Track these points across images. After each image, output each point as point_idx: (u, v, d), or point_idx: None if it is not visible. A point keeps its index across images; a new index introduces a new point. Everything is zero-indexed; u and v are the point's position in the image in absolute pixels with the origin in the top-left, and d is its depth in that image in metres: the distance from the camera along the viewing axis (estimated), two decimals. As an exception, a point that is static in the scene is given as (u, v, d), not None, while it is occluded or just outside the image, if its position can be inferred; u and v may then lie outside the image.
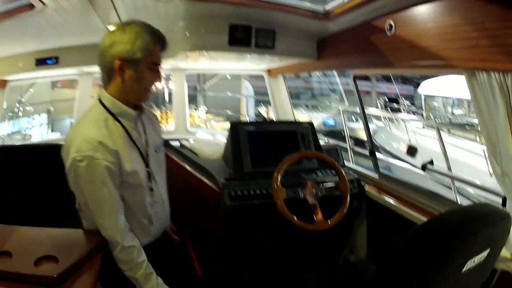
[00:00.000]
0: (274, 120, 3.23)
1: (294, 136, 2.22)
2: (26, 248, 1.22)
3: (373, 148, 2.36)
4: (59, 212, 2.08)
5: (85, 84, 2.80)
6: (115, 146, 1.24)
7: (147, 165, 1.36)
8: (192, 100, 10.00)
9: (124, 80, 1.25)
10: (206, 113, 9.69)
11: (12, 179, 2.09)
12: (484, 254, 0.95)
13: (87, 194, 1.26)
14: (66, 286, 1.10)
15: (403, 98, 10.23)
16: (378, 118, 9.20)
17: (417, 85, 13.91)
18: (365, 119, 2.40)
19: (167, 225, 1.60)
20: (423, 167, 1.99)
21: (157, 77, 1.29)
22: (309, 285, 1.69)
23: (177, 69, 3.02)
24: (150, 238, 1.43)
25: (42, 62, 2.32)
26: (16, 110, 7.19)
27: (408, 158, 5.43)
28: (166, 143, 2.38)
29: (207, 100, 11.52)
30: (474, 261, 0.93)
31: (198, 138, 2.53)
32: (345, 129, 3.98)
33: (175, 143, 2.58)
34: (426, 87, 9.59)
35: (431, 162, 1.99)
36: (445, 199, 1.76)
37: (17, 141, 6.40)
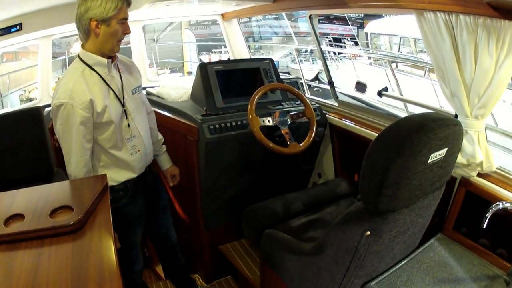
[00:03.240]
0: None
1: (258, 71, 2.35)
2: (35, 206, 1.19)
3: (331, 78, 2.56)
4: (38, 176, 2.07)
5: (45, 47, 2.72)
6: (90, 93, 1.44)
7: (123, 104, 1.55)
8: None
9: (100, 36, 1.44)
10: (150, 66, 9.29)
11: None
12: (444, 151, 1.14)
13: (60, 134, 1.47)
14: (86, 229, 1.12)
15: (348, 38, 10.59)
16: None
17: (359, 25, 14.12)
18: (322, 54, 2.61)
19: (150, 159, 1.78)
20: (379, 93, 2.21)
21: (127, 29, 1.48)
22: (292, 200, 1.92)
23: (134, 21, 2.96)
24: (134, 173, 1.65)
25: (6, 31, 2.25)
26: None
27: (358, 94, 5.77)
28: None
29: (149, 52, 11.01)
30: (436, 156, 1.12)
31: (164, 84, 2.59)
32: (298, 64, 4.29)
33: None
34: (373, 27, 10.02)
35: (386, 89, 2.22)
36: (399, 118, 2.02)
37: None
